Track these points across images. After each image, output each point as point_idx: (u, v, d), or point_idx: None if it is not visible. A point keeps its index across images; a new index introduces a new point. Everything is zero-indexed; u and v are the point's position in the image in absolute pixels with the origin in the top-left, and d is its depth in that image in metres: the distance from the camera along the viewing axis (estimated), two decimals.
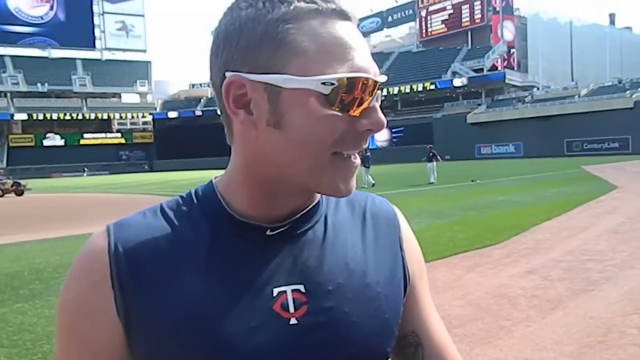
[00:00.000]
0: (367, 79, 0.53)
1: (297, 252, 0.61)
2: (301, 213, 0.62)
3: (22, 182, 24.63)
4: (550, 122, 42.08)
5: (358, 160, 0.58)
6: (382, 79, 0.55)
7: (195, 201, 0.63)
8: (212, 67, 0.57)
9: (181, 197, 0.65)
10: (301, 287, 0.59)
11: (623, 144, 37.54)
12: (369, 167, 18.49)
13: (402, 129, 52.62)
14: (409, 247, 0.71)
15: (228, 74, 0.54)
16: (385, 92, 54.93)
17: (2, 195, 22.82)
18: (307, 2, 0.53)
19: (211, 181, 0.66)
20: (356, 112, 0.53)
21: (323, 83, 0.51)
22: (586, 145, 39.99)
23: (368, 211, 0.70)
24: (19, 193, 23.36)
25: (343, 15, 0.55)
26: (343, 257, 0.63)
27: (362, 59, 0.53)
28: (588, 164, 24.78)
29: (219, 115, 0.60)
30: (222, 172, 0.65)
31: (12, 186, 23.69)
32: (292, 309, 0.58)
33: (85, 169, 57.46)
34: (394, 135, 54.15)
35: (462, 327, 3.79)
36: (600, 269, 5.21)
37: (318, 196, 0.65)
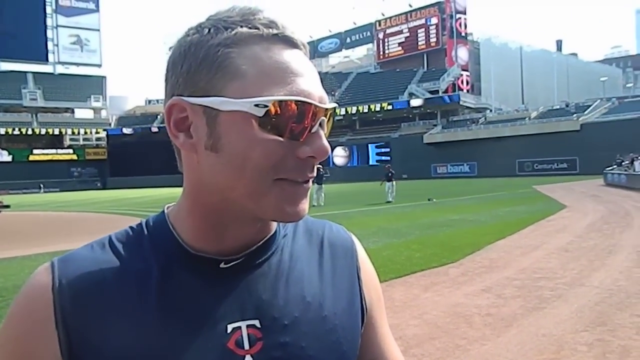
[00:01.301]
0: (306, 103, 0.51)
1: (252, 286, 0.59)
2: (257, 245, 0.60)
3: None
4: (502, 143, 43.69)
5: (309, 184, 0.56)
6: (329, 105, 0.54)
7: (146, 232, 0.61)
8: (165, 93, 0.57)
9: (131, 228, 0.62)
10: (256, 322, 0.57)
11: (571, 164, 39.38)
12: (321, 185, 18.36)
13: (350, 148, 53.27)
14: (366, 275, 0.70)
15: (172, 99, 0.54)
16: (343, 112, 56.58)
17: None
18: (250, 28, 0.53)
19: (163, 211, 0.63)
20: (295, 137, 0.52)
21: (257, 105, 0.50)
22: (537, 166, 41.69)
23: (326, 240, 0.69)
24: None
25: (290, 43, 0.54)
26: (299, 289, 0.61)
27: (305, 84, 0.52)
28: (539, 183, 25.81)
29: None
30: (177, 190, 0.64)
31: None
32: (247, 346, 0.56)
33: (42, 185, 55.08)
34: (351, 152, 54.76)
35: (419, 347, 3.76)
36: (551, 286, 5.33)
37: (274, 226, 0.63)
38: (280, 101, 0.50)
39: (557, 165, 40.51)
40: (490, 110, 53.95)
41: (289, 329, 0.58)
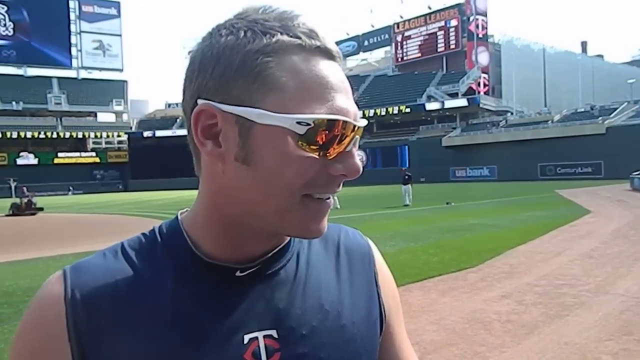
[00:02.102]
0: (346, 122, 0.50)
1: (268, 294, 0.57)
2: (273, 252, 0.59)
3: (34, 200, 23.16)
4: (524, 147, 42.98)
5: (331, 200, 0.54)
6: (362, 123, 0.53)
7: (160, 240, 0.59)
8: (184, 91, 0.54)
9: (144, 235, 0.60)
10: (273, 333, 0.55)
11: (595, 169, 38.50)
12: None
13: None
14: (384, 282, 0.68)
15: (200, 102, 0.51)
16: (361, 114, 55.98)
17: (22, 214, 21.39)
18: (291, 37, 0.50)
19: (177, 217, 0.61)
20: (331, 155, 0.50)
21: (299, 122, 0.48)
22: (559, 170, 40.88)
23: (342, 246, 0.67)
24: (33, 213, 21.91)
25: (327, 55, 0.52)
26: (317, 297, 0.59)
27: (342, 101, 0.51)
28: (561, 188, 25.29)
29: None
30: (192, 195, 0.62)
31: (29, 206, 22.19)
32: (264, 357, 0.54)
33: (70, 187, 56.24)
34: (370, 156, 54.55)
35: (437, 353, 3.69)
36: (574, 293, 5.19)
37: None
38: (325, 120, 0.49)
39: (581, 169, 39.63)
40: (512, 113, 53.18)
41: (307, 339, 0.56)
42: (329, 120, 0.49)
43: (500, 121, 49.94)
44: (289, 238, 0.61)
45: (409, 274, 6.20)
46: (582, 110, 46.22)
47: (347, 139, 0.51)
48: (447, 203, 18.37)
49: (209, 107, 0.50)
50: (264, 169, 0.49)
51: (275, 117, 0.48)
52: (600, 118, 40.98)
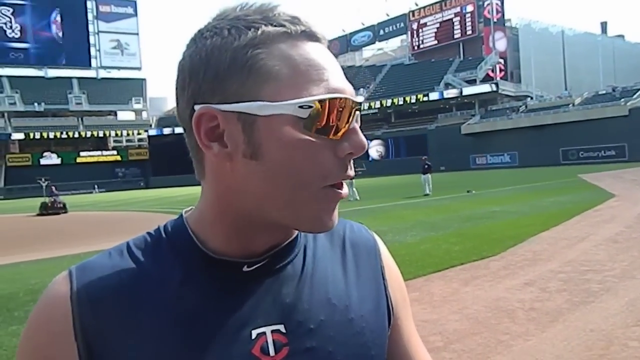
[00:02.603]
0: (345, 99, 0.50)
1: (275, 289, 0.57)
2: (280, 247, 0.59)
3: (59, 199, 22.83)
4: (545, 131, 42.24)
5: (345, 190, 0.54)
6: (360, 99, 0.53)
7: (165, 238, 0.59)
8: (178, 101, 0.54)
9: (149, 234, 0.61)
10: (281, 327, 0.55)
11: (619, 151, 37.65)
12: (352, 180, 18.26)
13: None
14: (391, 275, 0.68)
15: (197, 107, 0.51)
16: (378, 104, 56.14)
17: (48, 214, 21.22)
18: (275, 26, 0.51)
19: (181, 215, 0.61)
20: (336, 135, 0.51)
21: (300, 106, 0.48)
22: (582, 154, 40.10)
23: (347, 240, 0.67)
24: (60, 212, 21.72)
25: (313, 37, 0.53)
26: (324, 291, 0.60)
27: (337, 80, 0.51)
28: (584, 172, 24.80)
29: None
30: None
31: (58, 205, 21.99)
32: (272, 352, 0.54)
33: (95, 186, 57.50)
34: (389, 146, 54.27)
35: (460, 342, 3.69)
36: (599, 279, 5.12)
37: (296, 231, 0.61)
38: (323, 100, 0.49)
39: (604, 152, 38.80)
40: (531, 98, 52.22)
41: (315, 333, 0.56)
42: (326, 99, 0.49)
43: (520, 106, 49.12)
44: (296, 233, 0.61)
45: (430, 264, 6.19)
46: (604, 92, 45.13)
47: (349, 116, 0.51)
48: (468, 191, 18.19)
49: (208, 110, 0.50)
50: (273, 160, 0.50)
51: (276, 105, 0.48)
52: (622, 100, 39.98)
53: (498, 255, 6.58)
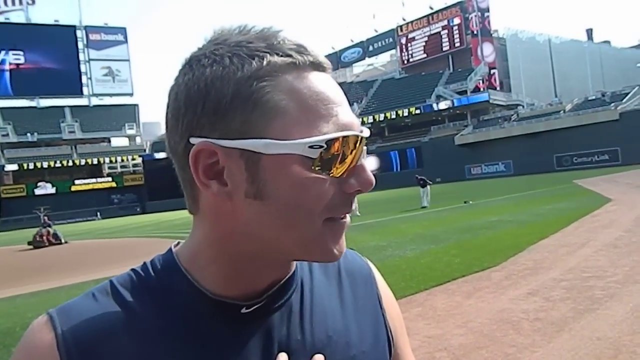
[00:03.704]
0: (354, 136, 0.48)
1: (275, 329, 0.55)
2: (278, 285, 0.56)
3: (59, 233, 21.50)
4: (538, 139, 42.52)
5: (348, 219, 0.52)
6: (366, 133, 0.51)
7: (154, 277, 0.55)
8: (170, 131, 0.50)
9: (134, 271, 0.56)
10: None
11: (612, 155, 37.88)
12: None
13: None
14: (388, 304, 0.67)
15: (195, 140, 0.47)
16: (371, 119, 56.40)
17: (40, 247, 19.91)
18: (281, 55, 0.47)
19: (170, 250, 0.57)
20: (344, 173, 0.48)
21: (311, 146, 0.45)
22: (576, 160, 40.31)
23: (343, 270, 0.65)
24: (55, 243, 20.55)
25: (319, 67, 0.50)
26: (324, 328, 0.57)
27: (346, 114, 0.49)
28: (579, 178, 24.88)
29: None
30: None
31: (51, 238, 20.69)
32: None
33: (98, 213, 57.27)
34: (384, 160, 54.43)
35: (466, 357, 3.63)
36: (602, 286, 5.08)
37: (295, 264, 0.59)
38: (333, 139, 0.46)
39: (598, 157, 39.01)
40: (522, 107, 52.69)
41: None
42: (336, 138, 0.47)
43: (512, 115, 49.52)
44: (294, 268, 0.59)
45: (431, 277, 6.14)
46: (594, 97, 45.61)
47: (357, 153, 0.49)
48: (465, 202, 18.19)
49: (207, 145, 0.46)
50: (281, 200, 0.46)
51: (285, 144, 0.45)
52: (612, 104, 40.39)
53: (499, 266, 6.54)
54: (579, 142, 39.49)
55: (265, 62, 0.46)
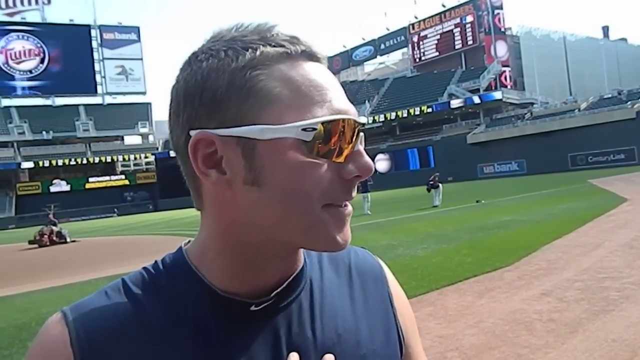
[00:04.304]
0: (349, 121, 0.48)
1: (285, 328, 0.55)
2: (287, 282, 0.56)
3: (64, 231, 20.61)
4: (552, 138, 42.02)
5: (350, 208, 0.51)
6: (363, 120, 0.51)
7: (165, 274, 0.56)
8: (172, 127, 0.52)
9: (145, 269, 0.57)
10: None
11: (628, 154, 37.31)
12: (367, 193, 18.43)
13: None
14: (399, 302, 0.67)
15: (193, 132, 0.48)
16: (382, 118, 56.19)
17: (42, 245, 19.13)
18: (274, 46, 0.49)
19: (180, 248, 0.58)
20: (341, 158, 0.48)
21: (304, 129, 0.46)
22: (591, 159, 39.76)
23: (353, 267, 0.65)
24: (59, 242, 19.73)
25: (313, 57, 0.51)
26: (334, 327, 0.57)
27: (340, 101, 0.49)
28: (594, 177, 24.53)
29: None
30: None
31: (54, 236, 19.85)
32: None
33: (115, 210, 57.97)
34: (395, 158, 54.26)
35: (478, 358, 3.59)
36: (617, 287, 4.99)
37: (302, 258, 0.59)
38: (327, 122, 0.47)
39: (613, 156, 38.43)
40: (536, 105, 52.11)
41: None
42: (332, 121, 0.47)
43: (525, 114, 48.99)
44: (302, 264, 0.59)
45: (443, 277, 6.09)
46: (610, 96, 44.92)
47: (353, 138, 0.49)
48: (477, 201, 18.03)
49: (205, 135, 0.47)
50: (277, 186, 0.47)
51: (279, 128, 0.46)
52: (629, 102, 39.73)
53: (512, 266, 6.46)
54: (594, 141, 38.94)
55: (258, 53, 0.47)
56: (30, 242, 19.95)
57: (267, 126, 0.46)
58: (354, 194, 0.51)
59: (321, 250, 0.52)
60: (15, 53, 66.14)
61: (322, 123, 0.47)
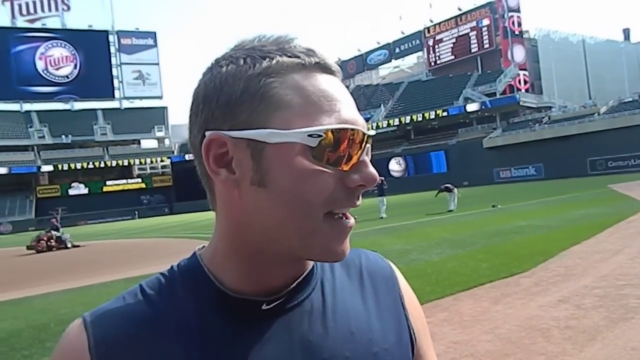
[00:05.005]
0: (355, 131, 0.50)
1: (297, 326, 0.56)
2: (297, 281, 0.57)
3: (67, 236, 20.16)
4: (570, 142, 41.37)
5: (352, 220, 0.53)
6: (371, 132, 0.53)
7: (180, 278, 0.58)
8: (191, 127, 0.54)
9: (162, 274, 0.59)
10: None
11: None
12: (383, 197, 18.40)
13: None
14: (410, 304, 0.67)
15: (208, 133, 0.51)
16: (397, 122, 55.95)
17: (39, 251, 18.58)
18: (290, 57, 0.51)
19: (194, 253, 0.60)
20: (346, 167, 0.50)
21: (310, 135, 0.48)
22: (611, 164, 39.02)
23: (364, 270, 0.66)
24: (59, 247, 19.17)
25: (326, 69, 0.53)
26: (346, 325, 0.58)
27: (349, 112, 0.51)
28: (614, 182, 24.07)
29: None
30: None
31: (54, 242, 19.31)
32: None
33: (136, 212, 58.98)
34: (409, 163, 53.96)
35: None
36: (638, 294, 4.89)
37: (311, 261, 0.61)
38: (334, 130, 0.49)
39: (634, 161, 37.63)
40: (554, 109, 51.42)
41: None
42: (339, 129, 0.49)
43: (543, 118, 48.35)
44: (312, 265, 0.60)
45: (458, 282, 6.02)
46: (630, 99, 44.09)
47: (359, 148, 0.50)
48: (493, 206, 17.82)
49: (218, 136, 0.50)
50: (281, 189, 0.49)
51: (286, 133, 0.48)
52: None
53: (528, 272, 6.37)
54: (614, 145, 38.21)
55: (274, 62, 0.50)
56: (28, 248, 19.20)
57: (275, 130, 0.48)
58: (358, 202, 0.52)
59: (317, 259, 0.53)
60: (54, 60, 68.01)
61: (329, 131, 0.48)
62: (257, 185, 0.50)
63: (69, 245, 19.61)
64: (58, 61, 68.33)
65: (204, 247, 0.61)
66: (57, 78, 68.40)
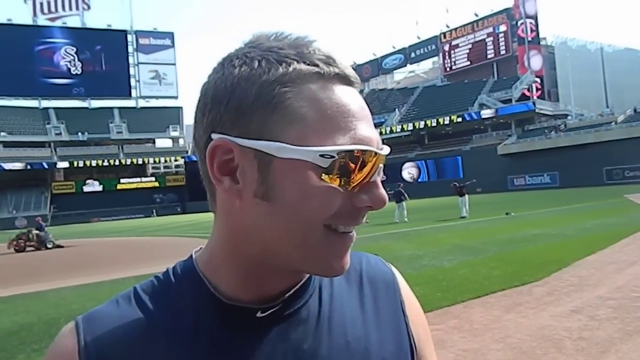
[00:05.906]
0: (368, 152, 0.48)
1: (292, 335, 0.54)
2: (294, 289, 0.56)
3: (50, 235, 19.39)
4: (586, 151, 40.85)
5: (354, 234, 0.52)
6: (385, 151, 0.51)
7: (174, 283, 0.56)
8: (196, 125, 0.52)
9: (157, 277, 0.58)
10: None
11: None
12: (401, 203, 18.39)
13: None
14: (412, 311, 0.65)
15: (214, 136, 0.49)
16: (411, 127, 55.71)
17: (18, 251, 18.09)
18: (308, 64, 0.48)
19: (191, 256, 0.59)
20: (356, 187, 0.48)
21: (322, 155, 0.46)
22: (627, 173, 38.43)
23: (364, 275, 0.64)
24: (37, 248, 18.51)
25: (346, 81, 0.51)
26: (343, 335, 0.57)
27: (365, 129, 0.49)
28: (631, 192, 23.72)
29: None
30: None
31: (34, 242, 18.56)
32: None
33: (154, 210, 59.78)
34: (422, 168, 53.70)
35: None
36: None
37: None
38: (347, 151, 0.46)
39: None
40: (571, 117, 50.83)
41: None
42: (351, 151, 0.47)
43: (559, 125, 47.82)
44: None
45: (469, 290, 5.96)
46: None
47: (371, 169, 0.48)
48: (507, 213, 17.64)
49: (225, 142, 0.48)
50: (286, 204, 0.47)
51: (298, 150, 0.46)
52: None
53: (541, 281, 6.28)
54: (631, 154, 37.62)
55: (291, 69, 0.48)
56: (8, 247, 18.51)
57: (287, 145, 0.46)
58: (363, 220, 0.51)
59: (316, 274, 0.53)
60: (73, 58, 69.16)
61: (341, 152, 0.46)
62: (261, 198, 0.48)
63: (50, 246, 18.82)
64: (76, 59, 69.36)
65: (201, 248, 0.59)
66: (75, 76, 69.43)
